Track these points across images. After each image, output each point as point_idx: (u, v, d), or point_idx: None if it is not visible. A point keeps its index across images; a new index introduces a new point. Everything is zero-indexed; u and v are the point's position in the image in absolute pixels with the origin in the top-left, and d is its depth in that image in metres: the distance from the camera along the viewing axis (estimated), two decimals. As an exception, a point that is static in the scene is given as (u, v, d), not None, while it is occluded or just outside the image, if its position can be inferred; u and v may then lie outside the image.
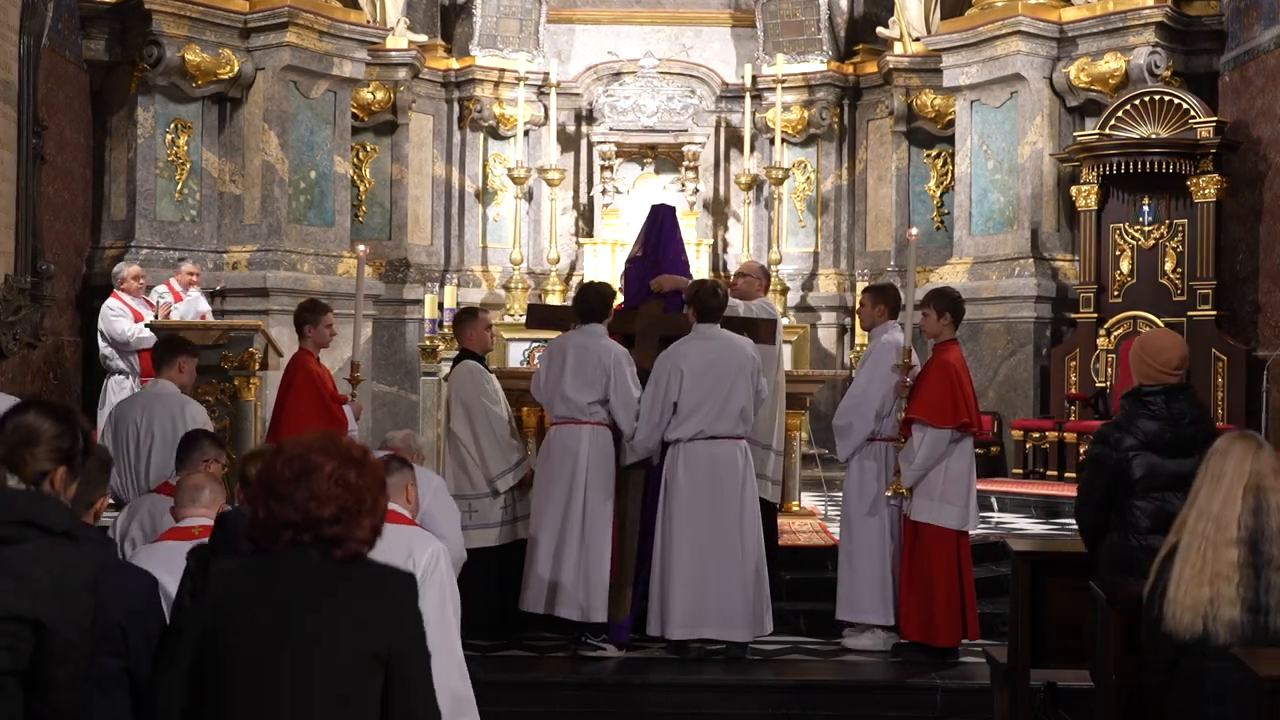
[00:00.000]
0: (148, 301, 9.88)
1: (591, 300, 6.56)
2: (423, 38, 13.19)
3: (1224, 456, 3.55)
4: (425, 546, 4.27)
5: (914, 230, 7.43)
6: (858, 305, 8.94)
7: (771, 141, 13.35)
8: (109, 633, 3.41)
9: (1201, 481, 3.56)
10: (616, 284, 9.20)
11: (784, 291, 13.08)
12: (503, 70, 13.45)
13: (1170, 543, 3.56)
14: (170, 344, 6.57)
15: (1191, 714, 3.47)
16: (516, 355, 11.93)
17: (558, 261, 13.42)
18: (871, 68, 13.40)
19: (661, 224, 7.08)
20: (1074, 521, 9.83)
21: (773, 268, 12.79)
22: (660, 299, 6.92)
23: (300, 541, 2.55)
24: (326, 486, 2.55)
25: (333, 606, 2.52)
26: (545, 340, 7.23)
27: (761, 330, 6.72)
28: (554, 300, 12.90)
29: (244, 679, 2.49)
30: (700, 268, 12.90)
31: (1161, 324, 10.81)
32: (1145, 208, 11.23)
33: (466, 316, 7.04)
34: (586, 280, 7.88)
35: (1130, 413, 4.37)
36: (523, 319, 12.25)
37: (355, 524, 2.57)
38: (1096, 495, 4.38)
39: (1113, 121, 11.14)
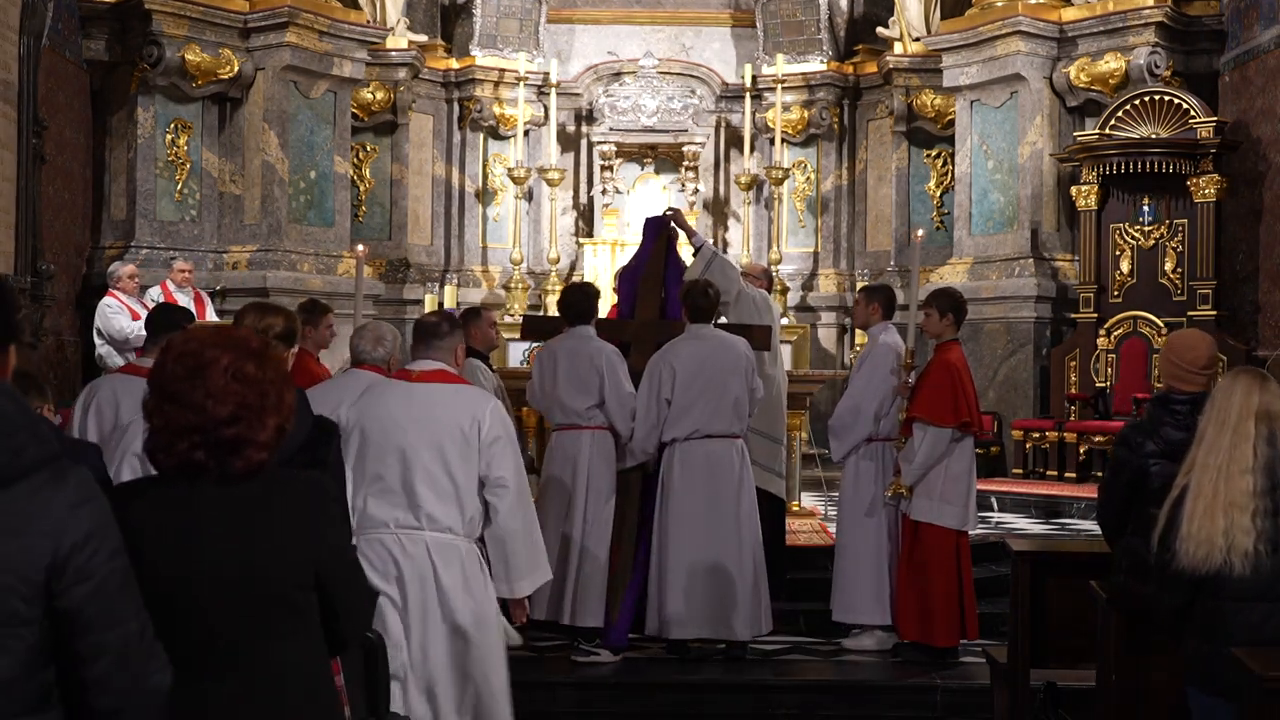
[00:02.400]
0: (143, 303, 9.88)
1: (576, 302, 6.52)
2: (423, 38, 13.20)
3: (1229, 392, 3.48)
4: (484, 405, 4.23)
5: (920, 232, 7.43)
6: (853, 304, 8.95)
7: (771, 141, 13.35)
8: None
9: (1208, 420, 3.49)
10: (613, 285, 9.19)
11: (784, 291, 13.09)
12: (503, 70, 13.45)
13: (1180, 484, 3.49)
14: (160, 320, 5.25)
15: (1211, 657, 3.40)
16: (516, 355, 11.94)
17: (558, 261, 13.42)
18: (871, 68, 13.40)
19: (664, 240, 7.03)
20: (1073, 521, 9.89)
21: (773, 268, 12.80)
22: (653, 304, 6.89)
23: (195, 460, 2.35)
24: (223, 382, 2.34)
25: (244, 537, 2.36)
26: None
27: (756, 336, 6.70)
28: (554, 300, 12.90)
29: (174, 619, 2.34)
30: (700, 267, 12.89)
31: (1162, 324, 10.84)
32: (1145, 208, 11.23)
33: (471, 315, 7.03)
34: (569, 284, 7.86)
35: (1155, 418, 4.17)
36: (523, 318, 12.25)
37: (257, 423, 2.37)
38: (1116, 497, 4.26)
39: (1113, 121, 11.15)
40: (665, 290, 6.86)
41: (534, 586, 4.37)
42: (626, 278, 7.14)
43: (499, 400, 4.46)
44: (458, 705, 4.14)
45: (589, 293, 6.65)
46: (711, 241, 13.31)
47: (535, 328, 7.74)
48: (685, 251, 7.35)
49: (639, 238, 7.33)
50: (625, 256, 12.38)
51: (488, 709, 4.19)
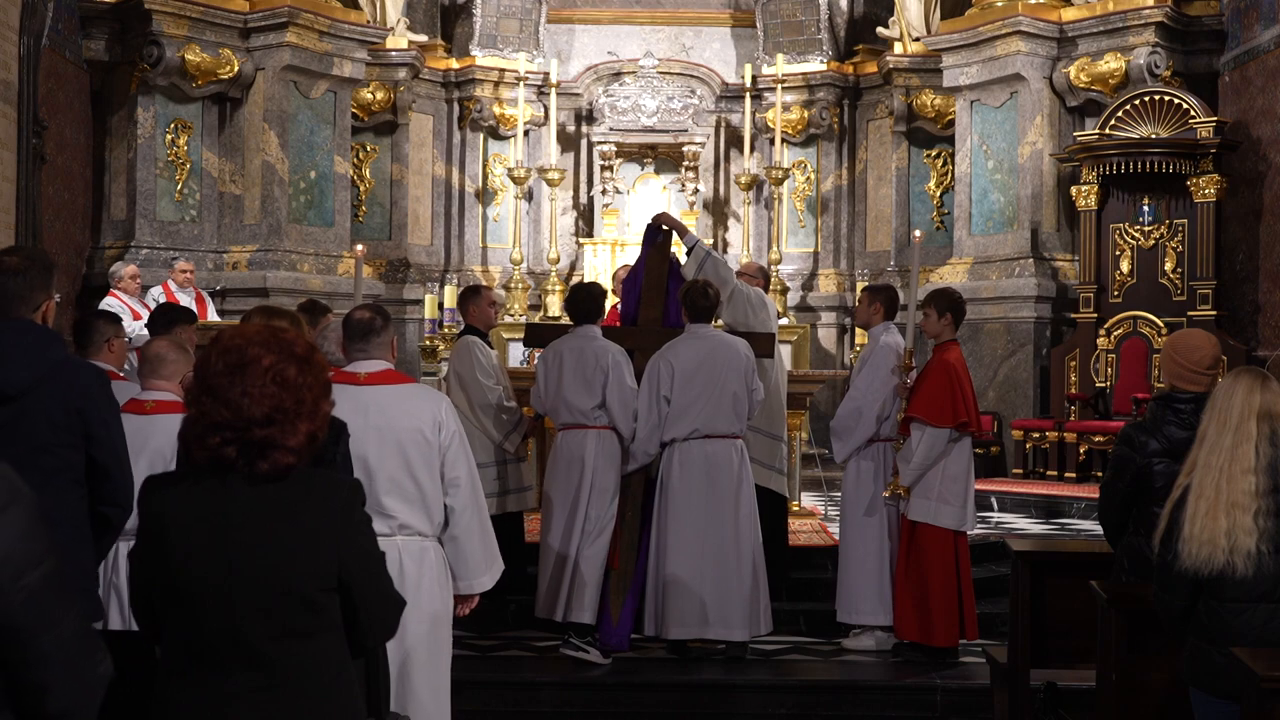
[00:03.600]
0: (144, 303, 9.88)
1: (583, 301, 6.53)
2: (423, 38, 13.20)
3: (1230, 393, 3.47)
4: (440, 404, 4.15)
5: (918, 233, 7.43)
6: (855, 303, 8.96)
7: (771, 141, 13.35)
8: (66, 421, 3.51)
9: (1209, 420, 3.48)
10: (611, 285, 9.19)
11: (784, 291, 13.09)
12: (503, 70, 13.46)
13: (1182, 485, 3.48)
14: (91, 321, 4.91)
15: (1213, 657, 3.40)
16: (517, 355, 11.93)
17: (558, 261, 13.42)
18: (871, 68, 13.40)
19: (667, 246, 7.02)
20: (1073, 521, 9.88)
21: (773, 268, 12.81)
22: (657, 306, 6.91)
23: (225, 456, 2.36)
24: (262, 383, 2.35)
25: (271, 535, 2.36)
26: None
27: (760, 343, 6.70)
28: (554, 300, 12.92)
29: (196, 614, 2.36)
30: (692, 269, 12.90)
31: (1162, 324, 10.84)
32: (1145, 208, 11.23)
33: (470, 293, 7.10)
34: (576, 282, 7.87)
35: (1158, 417, 4.16)
36: (523, 319, 12.27)
37: (290, 428, 2.37)
38: (1118, 496, 4.25)
39: (1113, 121, 11.15)
40: (667, 296, 6.85)
41: (492, 582, 4.27)
42: (627, 285, 7.14)
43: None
44: (416, 707, 4.09)
45: (595, 293, 6.64)
46: (710, 241, 13.34)
47: (539, 335, 7.73)
48: (677, 252, 7.32)
49: (640, 239, 7.33)
50: (625, 257, 12.43)
51: (435, 707, 4.17)
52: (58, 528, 3.48)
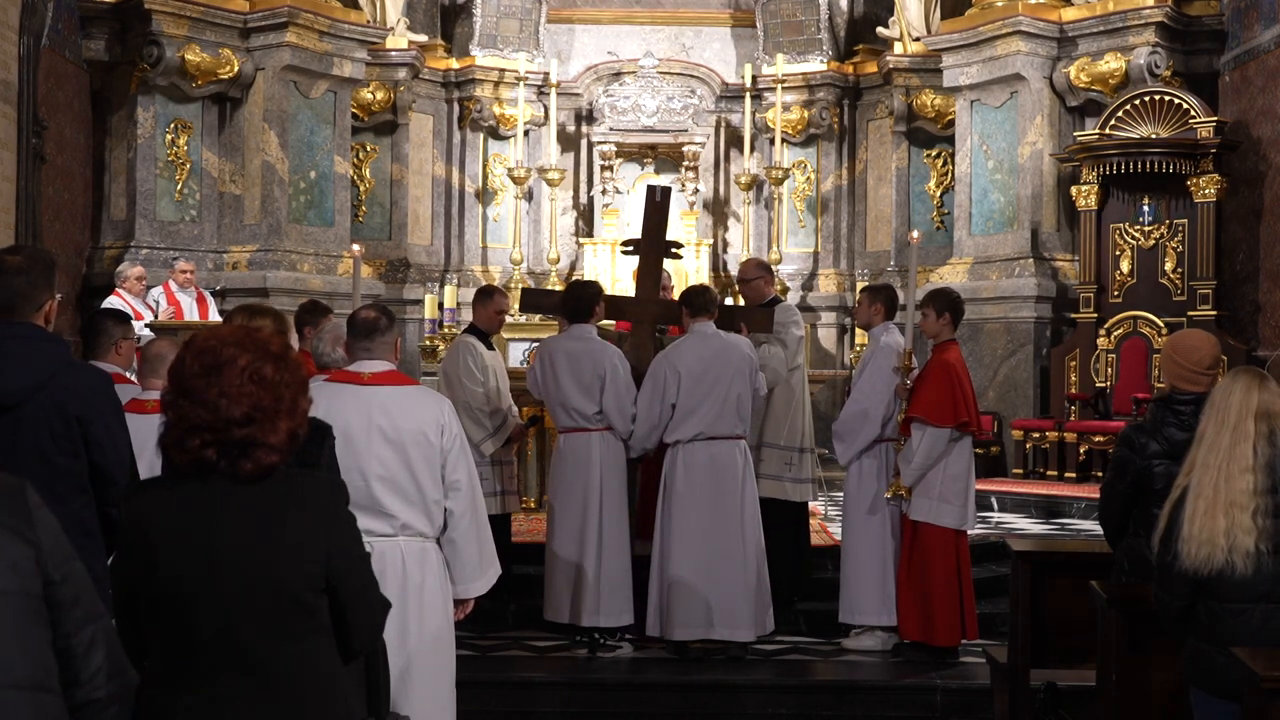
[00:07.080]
0: (147, 304, 9.88)
1: (576, 301, 6.55)
2: (423, 38, 13.20)
3: (1228, 392, 3.48)
4: (443, 406, 4.14)
5: (915, 233, 7.43)
6: (855, 304, 8.98)
7: (771, 141, 13.35)
8: (66, 429, 3.45)
9: (1208, 419, 3.49)
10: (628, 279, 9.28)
11: (784, 292, 13.09)
12: (503, 70, 13.46)
13: (1181, 485, 3.49)
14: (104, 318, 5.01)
15: (1213, 656, 3.41)
16: (517, 355, 11.93)
17: (558, 261, 13.42)
18: (871, 68, 13.40)
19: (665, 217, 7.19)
20: (1073, 521, 9.88)
21: (773, 268, 12.79)
22: (655, 276, 7.04)
23: (206, 458, 2.35)
24: (239, 382, 2.34)
25: (257, 536, 2.35)
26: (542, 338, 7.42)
27: (758, 319, 6.74)
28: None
29: (185, 618, 2.34)
30: (700, 267, 12.94)
31: (1162, 324, 10.84)
32: (1145, 208, 11.23)
33: (482, 295, 7.10)
34: (573, 280, 7.90)
35: (1158, 418, 4.17)
36: (524, 320, 12.27)
37: (270, 426, 2.37)
38: (1118, 498, 4.26)
39: (1113, 121, 11.15)
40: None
41: (487, 586, 4.25)
42: None
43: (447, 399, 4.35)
44: (421, 708, 4.09)
45: (589, 292, 6.66)
46: (710, 241, 13.34)
47: (534, 301, 7.82)
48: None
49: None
50: (625, 257, 12.42)
51: (439, 709, 4.16)
52: (66, 536, 3.46)
